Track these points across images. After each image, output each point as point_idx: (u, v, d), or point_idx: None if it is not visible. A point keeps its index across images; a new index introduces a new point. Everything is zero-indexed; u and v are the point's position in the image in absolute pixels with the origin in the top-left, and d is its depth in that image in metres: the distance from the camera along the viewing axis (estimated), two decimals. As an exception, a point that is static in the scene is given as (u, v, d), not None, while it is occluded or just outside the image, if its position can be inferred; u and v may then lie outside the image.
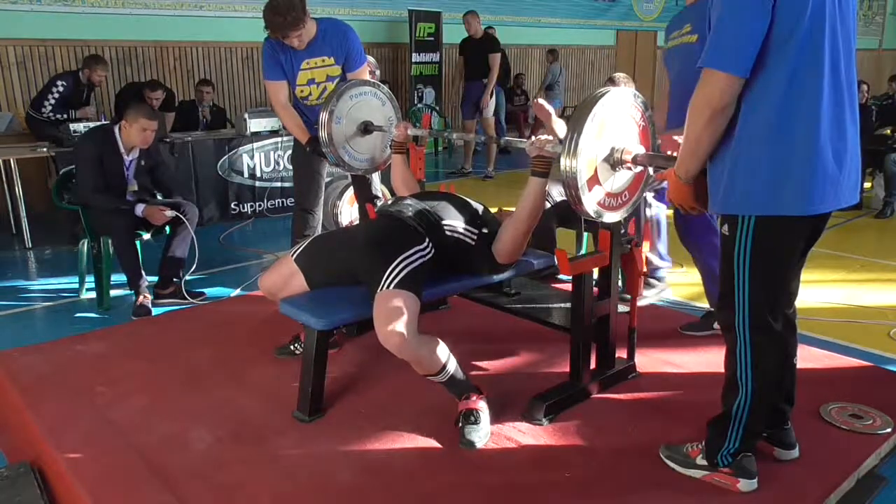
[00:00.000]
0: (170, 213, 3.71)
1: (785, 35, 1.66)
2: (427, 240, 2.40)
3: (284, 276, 2.53)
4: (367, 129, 3.12)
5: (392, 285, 2.23)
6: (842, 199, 1.80)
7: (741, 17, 1.66)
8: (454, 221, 2.48)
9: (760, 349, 1.88)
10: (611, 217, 2.22)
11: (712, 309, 3.14)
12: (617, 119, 2.10)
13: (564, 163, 2.01)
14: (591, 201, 2.10)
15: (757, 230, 1.78)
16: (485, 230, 2.51)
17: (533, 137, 2.33)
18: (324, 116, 3.01)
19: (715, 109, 1.72)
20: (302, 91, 3.40)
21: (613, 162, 2.11)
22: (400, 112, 3.29)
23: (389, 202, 2.63)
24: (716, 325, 3.01)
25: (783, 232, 1.79)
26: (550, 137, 2.30)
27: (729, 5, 1.69)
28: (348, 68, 3.40)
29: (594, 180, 2.08)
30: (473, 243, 2.48)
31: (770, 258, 1.82)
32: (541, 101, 3.23)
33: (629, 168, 2.14)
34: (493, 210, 2.73)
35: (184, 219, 3.75)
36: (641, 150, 2.13)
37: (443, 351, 2.25)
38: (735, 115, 1.75)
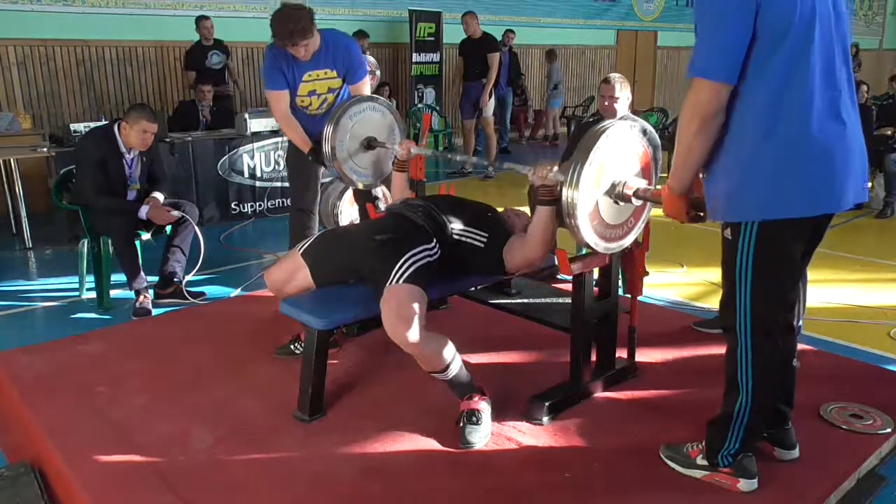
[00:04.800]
0: (175, 213, 3.71)
1: (774, 40, 1.67)
2: (434, 240, 2.42)
3: (290, 270, 2.55)
4: (370, 144, 3.13)
5: (401, 280, 2.24)
6: (844, 201, 1.79)
7: (724, 25, 1.67)
8: (462, 224, 2.50)
9: (761, 352, 1.88)
10: (609, 247, 2.21)
11: None
12: (621, 152, 2.10)
13: (566, 194, 2.03)
14: (590, 233, 2.10)
15: (760, 233, 1.78)
16: (494, 233, 2.52)
17: (534, 168, 2.32)
18: (328, 130, 3.01)
19: (705, 117, 1.72)
20: (302, 101, 3.41)
21: (615, 195, 2.12)
22: (405, 127, 3.29)
23: (399, 202, 2.65)
24: None
25: (786, 234, 1.79)
26: (552, 167, 2.28)
27: (711, 13, 1.70)
28: (349, 81, 3.41)
29: (595, 213, 2.09)
30: (483, 245, 2.49)
31: (773, 261, 1.82)
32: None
33: (630, 202, 2.14)
34: (499, 210, 2.73)
35: (189, 218, 3.75)
36: (643, 183, 2.14)
37: (449, 349, 2.26)
38: (727, 123, 1.76)
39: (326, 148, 3.03)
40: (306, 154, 3.38)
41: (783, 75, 1.68)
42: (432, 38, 9.17)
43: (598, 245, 2.17)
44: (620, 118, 3.60)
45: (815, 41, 1.69)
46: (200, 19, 6.72)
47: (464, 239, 2.48)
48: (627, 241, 2.29)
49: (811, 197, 1.74)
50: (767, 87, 1.70)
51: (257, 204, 5.94)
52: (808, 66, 1.69)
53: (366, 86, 3.45)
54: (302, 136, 3.40)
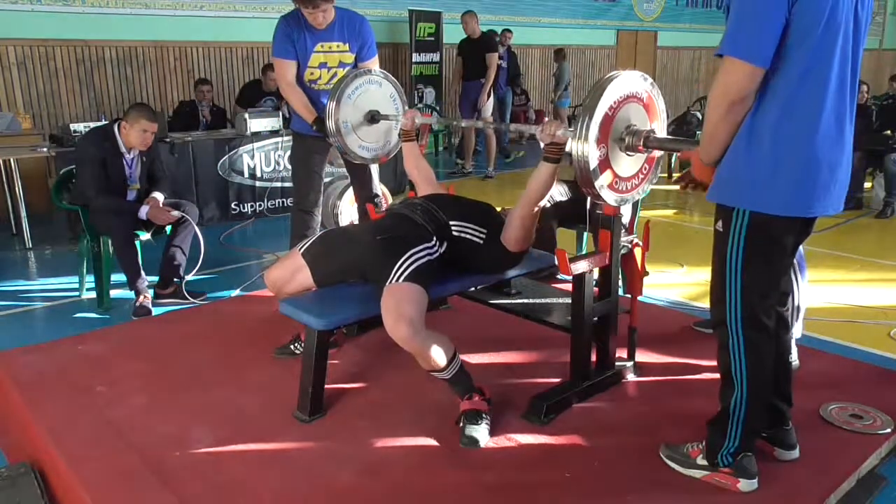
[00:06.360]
0: (176, 213, 3.71)
1: (798, 39, 1.66)
2: (435, 239, 2.43)
3: (291, 269, 2.56)
4: (373, 118, 3.14)
5: (401, 279, 2.25)
6: (829, 207, 1.81)
7: (762, 8, 1.65)
8: (462, 221, 2.51)
9: (753, 345, 1.89)
10: (621, 199, 2.22)
11: None
12: (628, 103, 2.10)
13: (576, 147, 2.03)
14: (601, 184, 2.11)
15: (750, 227, 1.80)
16: (492, 230, 2.53)
17: (542, 126, 2.33)
18: (331, 105, 3.03)
19: (734, 99, 1.71)
20: (312, 74, 3.40)
21: (625, 146, 2.11)
22: (406, 102, 3.31)
23: (399, 203, 2.65)
24: None
25: (776, 229, 1.81)
26: (560, 125, 2.31)
27: None
28: (361, 58, 3.45)
29: (605, 164, 2.09)
30: (482, 242, 2.51)
31: (762, 255, 1.84)
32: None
33: (640, 152, 2.14)
34: (498, 209, 2.74)
35: (189, 218, 3.75)
36: (652, 133, 2.14)
37: (449, 348, 2.27)
38: None
39: (330, 123, 3.04)
40: (310, 123, 3.35)
41: (801, 73, 1.68)
42: (432, 38, 9.17)
43: (611, 198, 2.16)
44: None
45: (837, 49, 1.69)
46: (267, 69, 6.58)
47: (463, 236, 2.50)
48: (638, 194, 2.28)
49: (806, 199, 1.76)
50: (785, 83, 1.70)
51: (257, 204, 5.94)
52: (826, 71, 1.69)
53: (375, 64, 3.47)
54: (306, 104, 3.37)
